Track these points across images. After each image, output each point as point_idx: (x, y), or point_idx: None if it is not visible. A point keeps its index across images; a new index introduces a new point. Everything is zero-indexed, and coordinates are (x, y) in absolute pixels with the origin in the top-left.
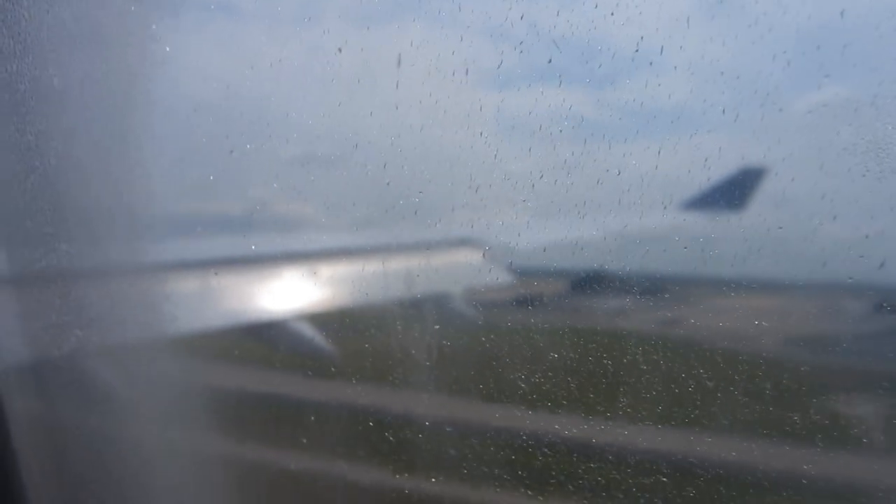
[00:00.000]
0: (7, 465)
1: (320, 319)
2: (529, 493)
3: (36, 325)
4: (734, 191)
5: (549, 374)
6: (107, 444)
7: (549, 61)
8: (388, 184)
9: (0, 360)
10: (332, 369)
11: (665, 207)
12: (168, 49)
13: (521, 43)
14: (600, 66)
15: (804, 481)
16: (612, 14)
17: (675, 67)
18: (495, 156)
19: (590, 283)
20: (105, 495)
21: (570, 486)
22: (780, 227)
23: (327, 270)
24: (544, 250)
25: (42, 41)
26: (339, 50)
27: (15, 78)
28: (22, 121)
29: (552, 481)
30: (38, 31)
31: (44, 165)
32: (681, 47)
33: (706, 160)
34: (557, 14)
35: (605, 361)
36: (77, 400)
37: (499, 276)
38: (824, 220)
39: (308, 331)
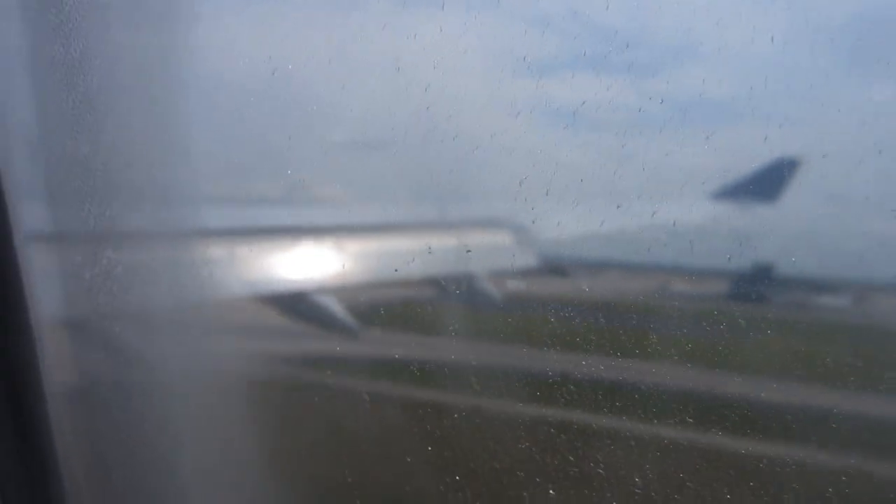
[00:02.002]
0: (42, 434)
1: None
2: None
3: (76, 283)
4: (768, 184)
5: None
6: (145, 412)
7: (590, 48)
8: (430, 168)
9: (37, 320)
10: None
11: (694, 198)
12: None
13: (562, 30)
14: (642, 55)
15: None
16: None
17: (721, 58)
18: (535, 143)
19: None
20: (141, 464)
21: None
22: (818, 221)
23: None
24: (578, 235)
25: None
26: (383, 33)
27: None
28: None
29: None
30: None
31: (86, 85)
32: (726, 37)
33: (745, 152)
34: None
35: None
36: (117, 368)
37: (532, 259)
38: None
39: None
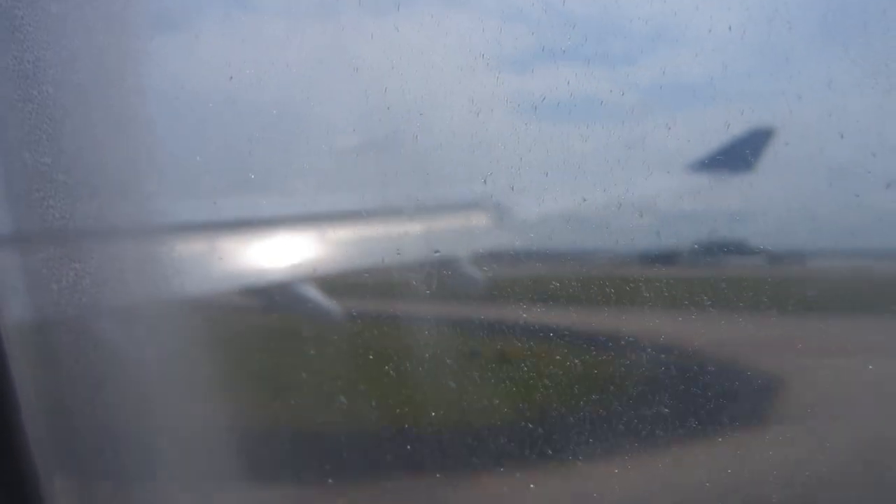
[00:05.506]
0: (14, 430)
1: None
2: None
3: (42, 283)
4: (740, 156)
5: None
6: (118, 411)
7: (565, 40)
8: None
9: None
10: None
11: (662, 182)
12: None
13: (538, 25)
14: (612, 44)
15: None
16: None
17: (692, 44)
18: (514, 134)
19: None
20: (116, 462)
21: None
22: (785, 194)
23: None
24: (552, 215)
25: None
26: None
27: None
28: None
29: None
30: None
31: (41, 95)
32: (702, 25)
33: (717, 130)
34: None
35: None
36: (89, 364)
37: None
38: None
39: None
